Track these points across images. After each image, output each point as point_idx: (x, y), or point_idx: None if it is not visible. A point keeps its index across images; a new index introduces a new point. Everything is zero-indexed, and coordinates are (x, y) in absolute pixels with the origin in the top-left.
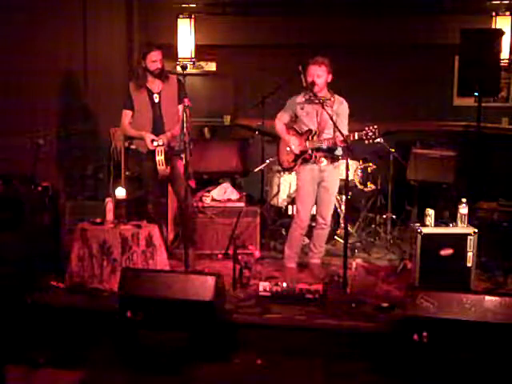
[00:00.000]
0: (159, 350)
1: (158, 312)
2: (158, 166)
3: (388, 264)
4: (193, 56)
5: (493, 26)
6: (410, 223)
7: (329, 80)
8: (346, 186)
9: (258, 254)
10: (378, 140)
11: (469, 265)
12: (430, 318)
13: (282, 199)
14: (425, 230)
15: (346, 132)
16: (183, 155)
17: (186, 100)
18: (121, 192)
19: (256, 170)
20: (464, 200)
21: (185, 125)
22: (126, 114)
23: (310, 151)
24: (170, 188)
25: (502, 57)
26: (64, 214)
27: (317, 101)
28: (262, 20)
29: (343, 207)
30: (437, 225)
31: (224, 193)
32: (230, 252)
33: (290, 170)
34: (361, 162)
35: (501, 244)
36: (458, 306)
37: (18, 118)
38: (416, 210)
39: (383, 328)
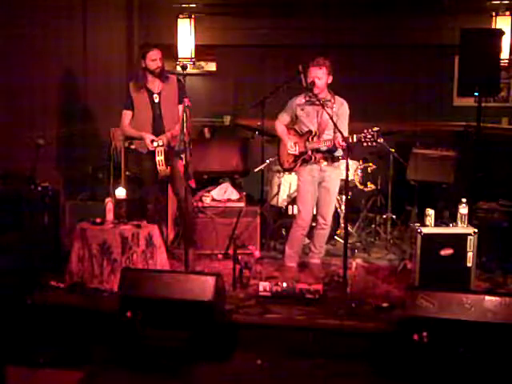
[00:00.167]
0: (159, 350)
1: (158, 312)
2: (158, 166)
3: (388, 264)
4: (193, 56)
5: (493, 26)
6: (410, 223)
7: (329, 81)
8: (346, 186)
9: (257, 253)
10: (378, 141)
11: (469, 265)
12: (430, 317)
13: (282, 199)
14: (425, 230)
15: (346, 133)
16: (183, 155)
17: (186, 100)
18: (121, 192)
19: (256, 169)
20: (464, 200)
21: (185, 125)
22: (126, 114)
23: (309, 152)
24: (170, 188)
25: (502, 57)
26: (64, 214)
27: (317, 102)
28: (262, 20)
29: (343, 207)
30: (437, 225)
31: (224, 193)
32: (230, 252)
33: (290, 170)
34: (361, 162)
35: (501, 244)
36: (458, 306)
37: (18, 118)
38: (416, 210)
39: (383, 328)
